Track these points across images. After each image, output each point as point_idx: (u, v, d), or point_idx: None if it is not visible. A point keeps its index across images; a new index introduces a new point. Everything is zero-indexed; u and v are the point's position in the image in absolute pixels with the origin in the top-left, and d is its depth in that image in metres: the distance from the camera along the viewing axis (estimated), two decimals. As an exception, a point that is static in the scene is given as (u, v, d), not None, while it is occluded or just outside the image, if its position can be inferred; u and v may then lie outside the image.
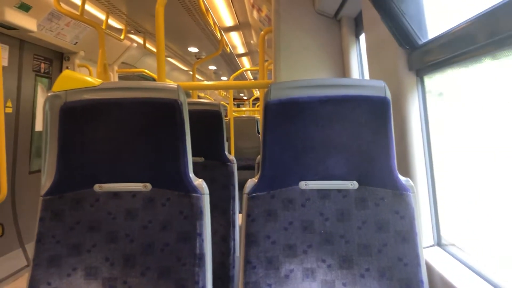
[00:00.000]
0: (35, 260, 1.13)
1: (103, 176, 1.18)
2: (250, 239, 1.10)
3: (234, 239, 2.01)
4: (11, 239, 3.29)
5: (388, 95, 1.11)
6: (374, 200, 1.10)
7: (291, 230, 1.10)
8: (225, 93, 11.28)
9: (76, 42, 3.71)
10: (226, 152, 2.08)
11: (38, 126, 3.59)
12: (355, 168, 1.11)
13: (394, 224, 1.08)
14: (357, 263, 1.07)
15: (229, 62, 7.24)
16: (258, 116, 5.99)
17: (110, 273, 1.12)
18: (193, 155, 1.22)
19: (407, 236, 1.06)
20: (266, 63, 2.80)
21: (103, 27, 3.33)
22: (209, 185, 1.20)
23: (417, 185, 1.30)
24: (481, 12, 0.91)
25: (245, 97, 15.49)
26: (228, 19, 4.47)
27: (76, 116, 1.17)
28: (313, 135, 1.12)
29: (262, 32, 2.35)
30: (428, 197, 1.32)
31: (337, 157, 1.12)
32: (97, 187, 1.18)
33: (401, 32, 1.25)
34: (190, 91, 4.03)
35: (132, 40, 4.71)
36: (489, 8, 0.88)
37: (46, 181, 1.20)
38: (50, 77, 3.70)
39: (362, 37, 1.93)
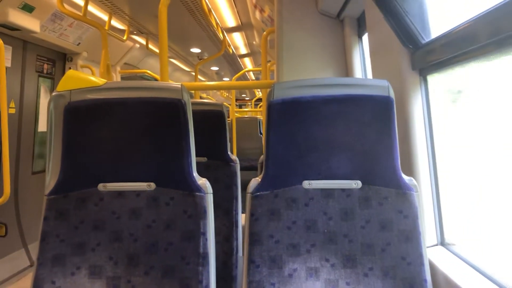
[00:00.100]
0: (39, 259, 1.13)
1: (107, 176, 1.18)
2: (253, 238, 1.10)
3: (237, 239, 2.01)
4: (14, 239, 3.30)
5: (392, 94, 1.11)
6: (377, 200, 1.10)
7: (295, 229, 1.11)
8: (227, 94, 11.29)
9: (79, 43, 3.72)
10: (229, 152, 2.08)
11: (41, 127, 3.59)
12: (359, 167, 1.12)
13: (398, 223, 1.07)
14: (361, 262, 1.07)
15: (232, 63, 7.25)
16: (261, 117, 6.00)
17: (114, 272, 1.12)
18: (196, 155, 1.23)
19: (410, 236, 1.06)
20: (268, 64, 2.80)
21: (106, 27, 3.34)
22: (212, 185, 1.20)
23: (421, 184, 1.30)
24: (484, 11, 0.91)
25: (247, 98, 15.50)
26: (230, 20, 4.48)
27: (81, 115, 1.17)
28: (316, 134, 1.12)
29: (265, 33, 2.35)
30: (432, 196, 1.32)
31: (340, 156, 1.12)
32: (101, 187, 1.18)
33: (404, 31, 1.25)
34: (193, 91, 4.03)
35: (135, 41, 4.72)
36: (492, 7, 0.88)
37: (50, 180, 1.20)
38: (53, 77, 3.71)
39: (365, 37, 1.93)
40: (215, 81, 9.83)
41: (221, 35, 3.88)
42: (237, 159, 2.09)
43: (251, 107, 9.72)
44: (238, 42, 5.70)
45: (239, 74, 4.90)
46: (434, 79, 1.27)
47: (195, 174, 1.19)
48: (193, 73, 7.00)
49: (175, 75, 7.93)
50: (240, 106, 15.30)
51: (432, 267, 1.17)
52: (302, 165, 1.13)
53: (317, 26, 2.02)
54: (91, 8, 3.59)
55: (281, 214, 1.11)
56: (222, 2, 3.84)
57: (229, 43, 5.20)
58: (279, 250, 1.09)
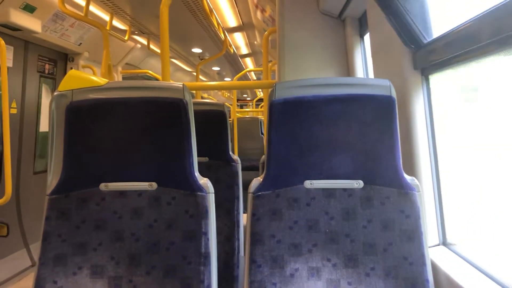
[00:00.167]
0: (41, 259, 1.14)
1: (109, 175, 1.18)
2: (255, 238, 1.10)
3: (238, 239, 2.01)
4: (15, 240, 3.30)
5: (394, 94, 1.10)
6: (379, 199, 1.09)
7: (296, 229, 1.10)
8: (228, 94, 11.29)
9: (80, 43, 3.73)
10: (230, 152, 2.08)
11: (43, 127, 3.60)
12: (360, 167, 1.11)
13: (400, 223, 1.07)
14: (363, 262, 1.07)
15: (233, 63, 7.25)
16: (262, 117, 6.00)
17: (115, 272, 1.12)
18: (198, 155, 1.23)
19: (412, 235, 1.06)
20: (269, 64, 2.79)
21: (107, 28, 3.34)
22: (214, 185, 1.20)
23: (422, 184, 1.29)
24: (486, 10, 0.91)
25: (248, 98, 15.50)
26: (231, 20, 4.48)
27: (82, 115, 1.17)
28: (318, 134, 1.11)
29: (266, 33, 2.35)
30: (434, 196, 1.32)
31: (342, 156, 1.12)
32: (103, 186, 1.18)
33: (406, 31, 1.25)
34: (194, 91, 4.04)
35: (136, 41, 4.72)
36: (494, 6, 0.87)
37: (52, 180, 1.20)
38: (54, 78, 3.72)
39: (367, 37, 1.93)
40: (217, 81, 9.83)
41: (222, 35, 3.89)
42: (238, 159, 2.09)
43: (253, 107, 9.73)
44: (239, 42, 5.71)
45: (240, 74, 4.90)
46: (444, 76, 1.26)
47: (196, 174, 1.19)
48: (195, 73, 7.00)
49: (177, 75, 7.93)
50: (242, 106, 15.30)
51: (434, 267, 1.17)
52: (303, 165, 1.13)
53: (319, 26, 2.02)
54: (93, 8, 3.60)
55: (282, 214, 1.11)
56: (223, 2, 3.84)
57: (230, 43, 5.19)
58: (280, 250, 1.09)
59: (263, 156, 1.97)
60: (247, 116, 6.05)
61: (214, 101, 2.26)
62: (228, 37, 4.60)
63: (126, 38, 4.00)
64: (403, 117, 1.32)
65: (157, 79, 4.97)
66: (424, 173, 1.30)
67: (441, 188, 1.31)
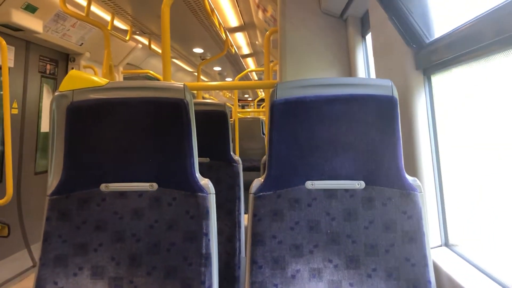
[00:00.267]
0: (41, 260, 1.13)
1: (110, 176, 1.18)
2: (256, 239, 1.10)
3: (239, 240, 2.00)
4: (17, 240, 3.30)
5: (395, 94, 1.10)
6: (381, 200, 1.09)
7: (298, 230, 1.10)
8: (230, 94, 11.29)
9: (82, 43, 3.73)
10: (232, 153, 2.08)
11: (44, 127, 3.60)
12: (362, 168, 1.11)
13: (402, 224, 1.07)
14: (364, 263, 1.06)
15: (234, 63, 7.25)
16: (263, 117, 5.99)
17: (116, 273, 1.12)
18: (199, 156, 1.22)
19: (414, 236, 1.06)
20: (271, 64, 2.79)
21: (109, 28, 3.34)
22: (215, 185, 1.20)
23: (424, 185, 1.29)
24: (488, 10, 0.90)
25: (250, 98, 15.50)
26: (233, 20, 4.47)
27: (83, 115, 1.17)
28: (319, 134, 1.11)
29: (267, 33, 2.35)
30: (436, 197, 1.31)
31: (343, 156, 1.11)
32: (103, 187, 1.18)
33: (408, 31, 1.24)
34: (195, 91, 4.03)
35: (137, 41, 4.72)
36: (497, 5, 0.87)
37: (52, 180, 1.20)
38: (55, 78, 3.72)
39: (368, 37, 1.93)
40: (218, 81, 9.83)
41: (223, 35, 3.89)
42: (239, 159, 2.09)
43: (254, 108, 9.73)
44: (240, 42, 5.70)
45: (241, 74, 4.90)
46: (445, 76, 1.25)
47: (197, 174, 1.18)
48: (196, 74, 7.01)
49: (178, 76, 7.94)
50: (243, 107, 15.31)
51: (436, 268, 1.16)
52: (305, 165, 1.12)
53: (320, 25, 2.01)
54: (94, 9, 3.60)
55: (284, 215, 1.11)
56: (225, 2, 3.83)
57: (232, 43, 5.19)
58: (282, 250, 1.08)
59: (265, 157, 1.97)
60: (249, 117, 6.05)
61: (215, 101, 2.26)
62: (229, 37, 4.61)
63: (127, 38, 4.00)
64: (405, 117, 1.32)
65: (158, 79, 4.97)
66: (426, 174, 1.30)
67: (443, 189, 1.30)
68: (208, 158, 2.04)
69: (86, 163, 1.18)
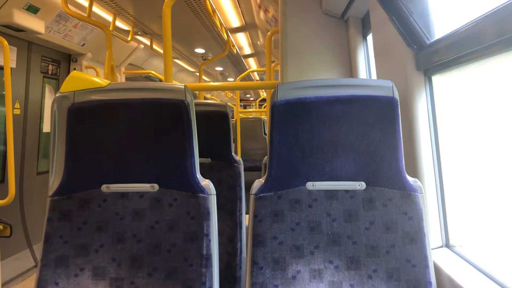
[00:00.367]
0: (43, 260, 1.14)
1: (111, 177, 1.19)
2: (257, 240, 1.10)
3: (241, 240, 2.01)
4: (19, 240, 3.31)
5: (396, 95, 1.10)
6: (381, 201, 1.09)
7: (298, 230, 1.10)
8: (231, 94, 11.29)
9: (84, 44, 3.73)
10: (233, 153, 2.08)
11: (46, 127, 3.61)
12: (363, 169, 1.11)
13: (402, 225, 1.07)
14: (365, 264, 1.06)
15: (236, 63, 7.25)
16: (265, 117, 5.99)
17: (117, 274, 1.12)
18: (200, 156, 1.22)
19: (415, 237, 1.06)
20: (273, 64, 2.79)
21: (110, 28, 3.34)
22: (216, 186, 1.20)
23: (425, 186, 1.29)
24: (489, 11, 0.90)
25: (251, 98, 15.50)
26: (234, 20, 4.47)
27: (84, 116, 1.17)
28: (320, 135, 1.11)
29: (269, 33, 2.35)
30: (437, 197, 1.31)
31: (344, 157, 1.11)
32: (104, 188, 1.18)
33: (409, 31, 1.24)
34: (197, 92, 4.04)
35: (139, 42, 4.73)
36: (497, 6, 0.87)
37: (54, 181, 1.21)
38: (57, 78, 3.73)
39: (369, 37, 1.93)
40: (220, 81, 9.84)
41: (225, 36, 3.89)
42: (241, 160, 2.09)
43: (256, 108, 9.73)
44: (242, 42, 5.70)
45: (243, 74, 4.90)
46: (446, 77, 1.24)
47: (198, 175, 1.18)
48: (198, 74, 7.01)
49: (180, 76, 7.94)
50: (245, 107, 15.31)
51: (437, 269, 1.16)
52: (305, 166, 1.12)
53: (321, 26, 2.01)
54: (96, 9, 3.60)
55: (284, 216, 1.11)
56: (226, 2, 3.83)
57: (233, 43, 5.19)
58: (282, 251, 1.09)
59: (266, 157, 1.97)
60: (250, 117, 6.05)
61: (216, 101, 2.26)
62: (231, 38, 4.60)
63: (129, 38, 4.00)
64: (405, 118, 1.32)
65: (160, 80, 4.98)
66: (427, 175, 1.29)
67: (444, 189, 1.30)
68: (209, 159, 2.05)
69: (87, 164, 1.18)
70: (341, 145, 1.11)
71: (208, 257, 1.11)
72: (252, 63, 7.57)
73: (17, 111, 3.24)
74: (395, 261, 1.05)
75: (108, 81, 1.22)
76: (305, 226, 1.10)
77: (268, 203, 1.12)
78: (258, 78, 10.06)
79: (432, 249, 1.14)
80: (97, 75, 3.94)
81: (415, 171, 1.30)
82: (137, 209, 1.17)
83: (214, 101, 2.18)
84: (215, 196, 1.18)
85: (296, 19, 2.00)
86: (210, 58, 5.56)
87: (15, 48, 3.14)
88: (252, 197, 1.14)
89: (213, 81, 9.71)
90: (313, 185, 1.12)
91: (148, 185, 1.18)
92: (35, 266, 3.33)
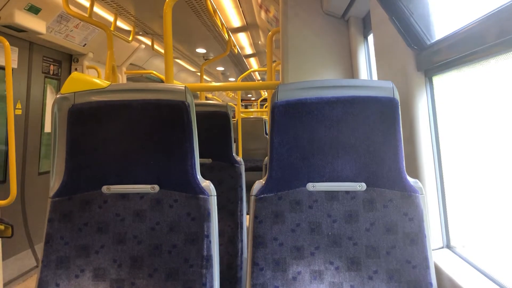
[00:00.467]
0: (43, 261, 1.14)
1: (111, 178, 1.19)
2: (257, 241, 1.10)
3: (241, 241, 2.01)
4: (20, 240, 3.32)
5: (397, 96, 1.10)
6: (382, 202, 1.09)
7: (299, 232, 1.10)
8: (233, 94, 11.29)
9: (85, 44, 3.74)
10: (234, 153, 2.08)
11: (47, 128, 3.61)
12: (363, 170, 1.11)
13: (403, 226, 1.07)
14: (365, 265, 1.06)
15: (237, 63, 7.25)
16: (266, 117, 5.99)
17: (117, 275, 1.12)
18: (201, 156, 1.22)
19: (415, 238, 1.05)
20: (274, 64, 2.79)
21: (112, 28, 3.34)
22: (217, 186, 1.20)
23: (426, 187, 1.28)
24: (490, 12, 0.90)
25: (253, 98, 15.50)
26: (235, 20, 4.47)
27: (84, 118, 1.18)
28: (320, 136, 1.11)
29: (270, 33, 2.35)
30: (437, 198, 1.31)
31: (345, 158, 1.11)
32: (105, 189, 1.18)
33: (409, 32, 1.24)
34: (198, 92, 4.04)
35: (140, 42, 4.73)
36: (498, 7, 0.87)
37: (54, 182, 1.21)
38: (59, 78, 3.73)
39: (370, 38, 1.92)
40: (221, 81, 9.84)
41: (226, 35, 3.89)
42: (241, 160, 2.09)
43: (257, 107, 9.73)
44: (243, 42, 5.70)
45: (244, 74, 4.90)
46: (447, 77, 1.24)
47: (199, 176, 1.18)
48: (199, 74, 7.01)
49: (181, 76, 7.94)
50: (246, 106, 15.32)
51: (438, 270, 1.16)
52: (306, 167, 1.12)
53: (322, 26, 2.01)
54: (97, 9, 3.60)
55: (285, 217, 1.11)
56: (227, 2, 3.83)
57: (235, 43, 5.19)
58: (283, 252, 1.09)
59: (267, 157, 1.97)
60: (252, 117, 6.05)
61: (217, 102, 2.26)
62: (232, 37, 4.60)
63: (130, 38, 4.00)
64: (406, 118, 1.31)
65: (161, 80, 4.98)
66: (428, 176, 1.29)
67: (445, 190, 1.30)
68: (210, 159, 2.05)
69: (88, 165, 1.18)
70: (341, 146, 1.11)
71: (209, 258, 1.12)
72: (253, 63, 7.57)
73: (19, 112, 3.25)
74: (395, 262, 1.05)
75: (109, 82, 1.22)
76: (305, 227, 1.10)
77: (269, 204, 1.12)
78: (259, 78, 10.07)
79: (432, 250, 1.14)
80: (99, 75, 3.94)
81: (415, 172, 1.30)
82: (138, 210, 1.17)
83: (215, 102, 2.18)
84: (215, 197, 1.18)
85: (297, 19, 2.00)
86: (211, 58, 5.57)
87: (17, 49, 3.15)
88: (252, 198, 1.14)
89: (215, 81, 9.71)
90: (313, 186, 1.12)
91: (149, 186, 1.18)
92: (37, 266, 3.34)
